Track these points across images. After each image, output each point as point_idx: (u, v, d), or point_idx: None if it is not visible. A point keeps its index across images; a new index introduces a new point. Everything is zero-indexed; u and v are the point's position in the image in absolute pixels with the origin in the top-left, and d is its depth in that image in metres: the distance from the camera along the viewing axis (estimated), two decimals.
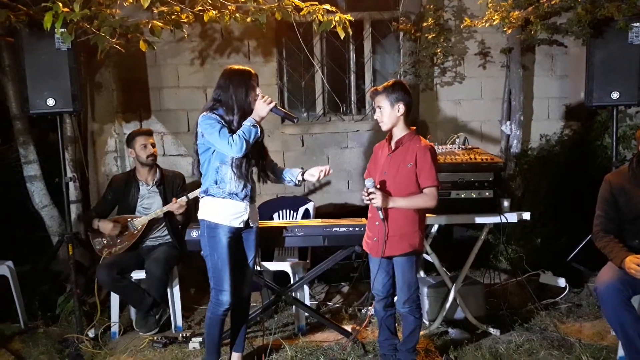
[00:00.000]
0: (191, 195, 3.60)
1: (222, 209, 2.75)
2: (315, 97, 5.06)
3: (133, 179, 3.81)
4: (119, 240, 3.68)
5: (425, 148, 2.73)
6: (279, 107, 2.78)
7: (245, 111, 2.72)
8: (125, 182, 3.82)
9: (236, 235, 2.81)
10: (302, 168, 3.02)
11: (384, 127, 2.78)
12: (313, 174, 2.93)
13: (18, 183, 4.36)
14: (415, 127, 2.84)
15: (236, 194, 2.75)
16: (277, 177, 3.00)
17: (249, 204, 2.81)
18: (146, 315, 3.62)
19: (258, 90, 2.76)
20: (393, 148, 2.78)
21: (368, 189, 2.68)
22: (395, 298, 2.90)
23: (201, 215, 2.79)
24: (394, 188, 2.73)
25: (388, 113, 2.73)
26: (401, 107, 2.72)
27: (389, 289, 2.88)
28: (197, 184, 2.78)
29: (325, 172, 2.93)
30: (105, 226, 3.64)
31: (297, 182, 2.95)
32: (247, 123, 2.66)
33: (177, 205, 3.60)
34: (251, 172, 2.83)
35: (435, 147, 3.48)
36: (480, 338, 3.35)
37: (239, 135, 2.62)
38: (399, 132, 2.78)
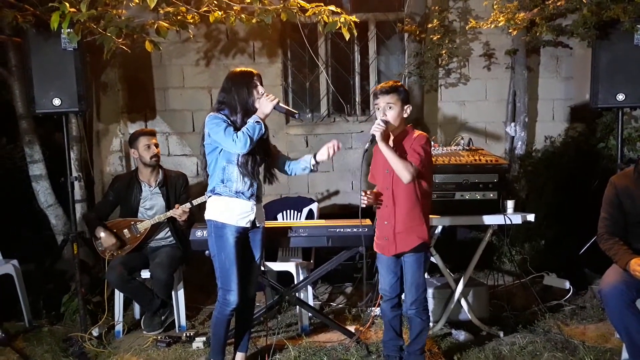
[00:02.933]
0: (195, 202, 3.58)
1: (229, 208, 2.76)
2: (320, 98, 5.06)
3: (135, 179, 3.79)
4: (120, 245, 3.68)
5: (419, 136, 2.74)
6: (281, 104, 2.79)
7: (249, 110, 2.73)
8: (128, 182, 3.80)
9: (243, 235, 2.82)
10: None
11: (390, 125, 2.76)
12: (323, 154, 2.88)
13: (23, 182, 4.37)
14: (411, 125, 2.86)
15: (242, 193, 2.76)
16: (291, 168, 2.96)
17: (255, 203, 2.82)
18: (153, 315, 3.63)
19: (261, 89, 2.77)
20: (392, 146, 2.78)
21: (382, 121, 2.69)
22: (403, 299, 2.90)
23: (208, 215, 2.81)
24: (398, 181, 2.72)
25: (397, 113, 2.73)
26: (409, 110, 2.77)
27: (397, 289, 2.88)
28: (201, 185, 2.80)
29: (334, 147, 2.86)
30: (107, 240, 3.61)
31: (312, 168, 2.92)
32: (251, 120, 2.68)
33: (180, 211, 3.58)
34: (257, 171, 2.83)
35: (440, 149, 3.50)
36: (484, 340, 3.35)
37: (242, 132, 2.64)
38: (398, 131, 2.79)
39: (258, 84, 2.77)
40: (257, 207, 2.84)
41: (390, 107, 2.73)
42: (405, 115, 2.76)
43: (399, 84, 2.80)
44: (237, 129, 2.68)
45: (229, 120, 2.71)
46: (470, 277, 3.52)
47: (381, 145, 2.67)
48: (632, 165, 2.93)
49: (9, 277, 3.72)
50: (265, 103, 2.70)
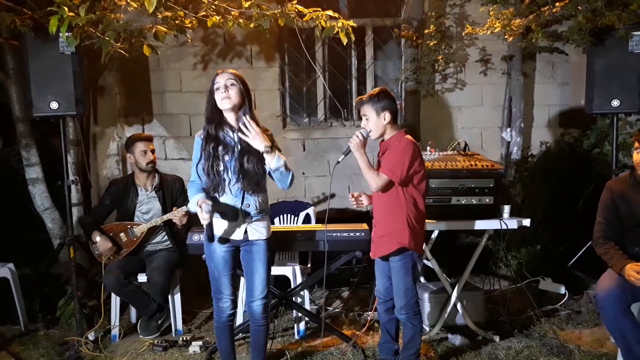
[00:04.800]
0: None
1: (218, 224, 2.69)
2: (317, 103, 5.08)
3: (132, 183, 3.79)
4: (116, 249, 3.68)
5: (400, 144, 2.74)
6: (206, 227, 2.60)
7: (211, 118, 2.67)
8: (124, 187, 3.80)
9: (234, 248, 2.73)
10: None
11: (373, 136, 2.81)
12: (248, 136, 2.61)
13: (20, 185, 4.36)
14: (405, 129, 2.87)
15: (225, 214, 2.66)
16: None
17: (244, 219, 2.67)
18: (150, 319, 3.63)
19: (221, 92, 2.60)
20: (381, 152, 2.84)
21: (360, 134, 2.77)
22: None
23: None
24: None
25: (374, 122, 2.78)
26: (387, 116, 2.76)
27: (391, 292, 2.89)
28: None
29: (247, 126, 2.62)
30: (104, 244, 3.60)
31: (272, 169, 2.64)
32: (192, 202, 2.61)
33: (179, 214, 3.59)
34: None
35: (436, 153, 3.51)
36: (480, 344, 3.36)
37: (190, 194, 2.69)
38: (387, 136, 2.83)
39: (220, 85, 2.62)
40: (249, 222, 2.69)
41: (366, 119, 2.80)
42: (384, 122, 2.76)
43: (375, 92, 2.81)
44: (208, 137, 2.65)
45: (203, 140, 2.67)
46: (466, 281, 3.54)
47: (356, 154, 2.75)
48: (628, 170, 2.95)
49: (5, 280, 3.71)
50: (198, 212, 2.54)
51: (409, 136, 2.80)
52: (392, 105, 2.78)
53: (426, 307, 3.56)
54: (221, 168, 2.63)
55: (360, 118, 4.96)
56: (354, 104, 5.06)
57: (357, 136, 2.75)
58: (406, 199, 2.74)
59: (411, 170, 2.70)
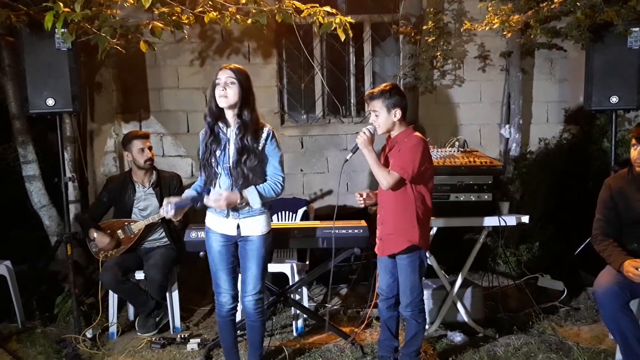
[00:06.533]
0: None
1: (211, 218, 2.78)
2: (315, 99, 5.06)
3: (129, 180, 3.78)
4: (115, 244, 3.67)
5: (410, 141, 2.71)
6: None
7: (208, 110, 2.71)
8: (121, 183, 3.79)
9: (230, 242, 2.76)
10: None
11: (380, 131, 2.78)
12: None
13: (17, 183, 4.35)
14: (413, 125, 2.85)
15: (214, 209, 2.73)
16: None
17: (231, 216, 2.71)
18: (147, 316, 3.62)
19: (219, 89, 2.61)
20: (388, 148, 2.81)
21: (367, 131, 2.73)
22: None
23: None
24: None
25: (385, 119, 2.74)
26: (398, 113, 2.73)
27: (394, 290, 2.89)
28: None
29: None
30: (102, 239, 3.60)
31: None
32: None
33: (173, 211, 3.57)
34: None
35: (435, 150, 3.50)
36: (479, 341, 3.36)
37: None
38: (395, 132, 2.80)
39: (220, 82, 2.61)
40: (244, 219, 2.72)
41: (376, 115, 2.76)
42: (394, 119, 2.74)
43: (387, 87, 2.75)
44: (208, 132, 2.70)
45: (205, 134, 2.72)
46: (465, 278, 3.53)
47: (364, 151, 2.71)
48: (627, 167, 2.94)
49: (2, 278, 3.70)
50: (212, 201, 2.63)
51: (417, 133, 2.78)
52: (403, 102, 2.75)
53: (427, 304, 3.54)
54: (213, 162, 2.69)
55: (358, 114, 5.05)
56: (352, 100, 5.06)
57: (365, 133, 2.71)
58: (415, 196, 2.73)
59: (422, 167, 2.68)
